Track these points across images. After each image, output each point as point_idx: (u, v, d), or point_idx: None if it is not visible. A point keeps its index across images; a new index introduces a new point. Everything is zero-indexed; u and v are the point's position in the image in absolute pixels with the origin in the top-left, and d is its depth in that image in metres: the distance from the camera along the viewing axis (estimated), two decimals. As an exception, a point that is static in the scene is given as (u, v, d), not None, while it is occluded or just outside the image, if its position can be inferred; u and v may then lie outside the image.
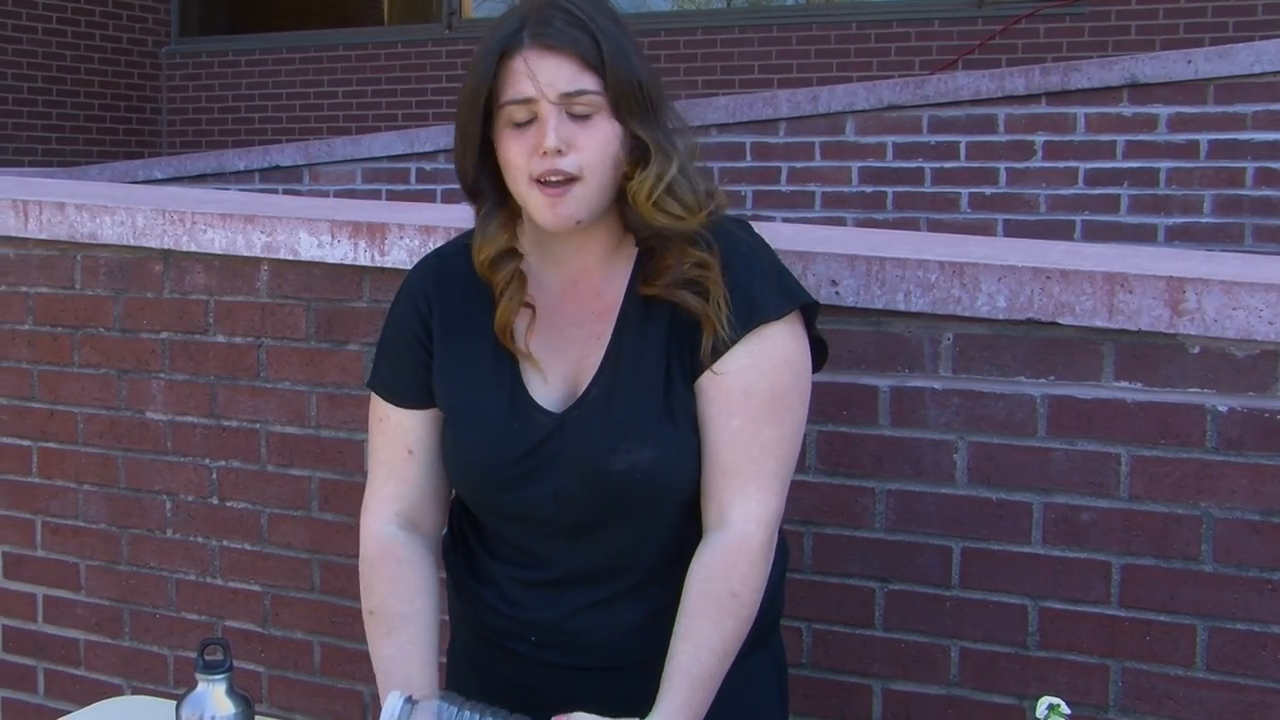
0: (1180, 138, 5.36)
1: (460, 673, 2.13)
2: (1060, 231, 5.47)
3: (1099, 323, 2.35)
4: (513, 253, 1.91)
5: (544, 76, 1.80)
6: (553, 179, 1.82)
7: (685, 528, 1.90)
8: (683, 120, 1.91)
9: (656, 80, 1.88)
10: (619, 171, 1.84)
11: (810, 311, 1.93)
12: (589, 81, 1.81)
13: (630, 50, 1.84)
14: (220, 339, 3.23)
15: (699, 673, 1.80)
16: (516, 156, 1.83)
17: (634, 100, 1.82)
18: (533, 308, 1.90)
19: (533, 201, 1.84)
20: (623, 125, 1.82)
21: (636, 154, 1.83)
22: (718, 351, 1.83)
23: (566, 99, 1.80)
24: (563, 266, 1.92)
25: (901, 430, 2.52)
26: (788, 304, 1.88)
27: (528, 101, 1.80)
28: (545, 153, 1.79)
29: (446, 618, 2.14)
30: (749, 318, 1.84)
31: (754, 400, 1.84)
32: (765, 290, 1.86)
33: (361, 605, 2.00)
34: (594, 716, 1.76)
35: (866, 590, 2.58)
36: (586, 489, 1.87)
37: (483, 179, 1.90)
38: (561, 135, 1.80)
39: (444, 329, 1.95)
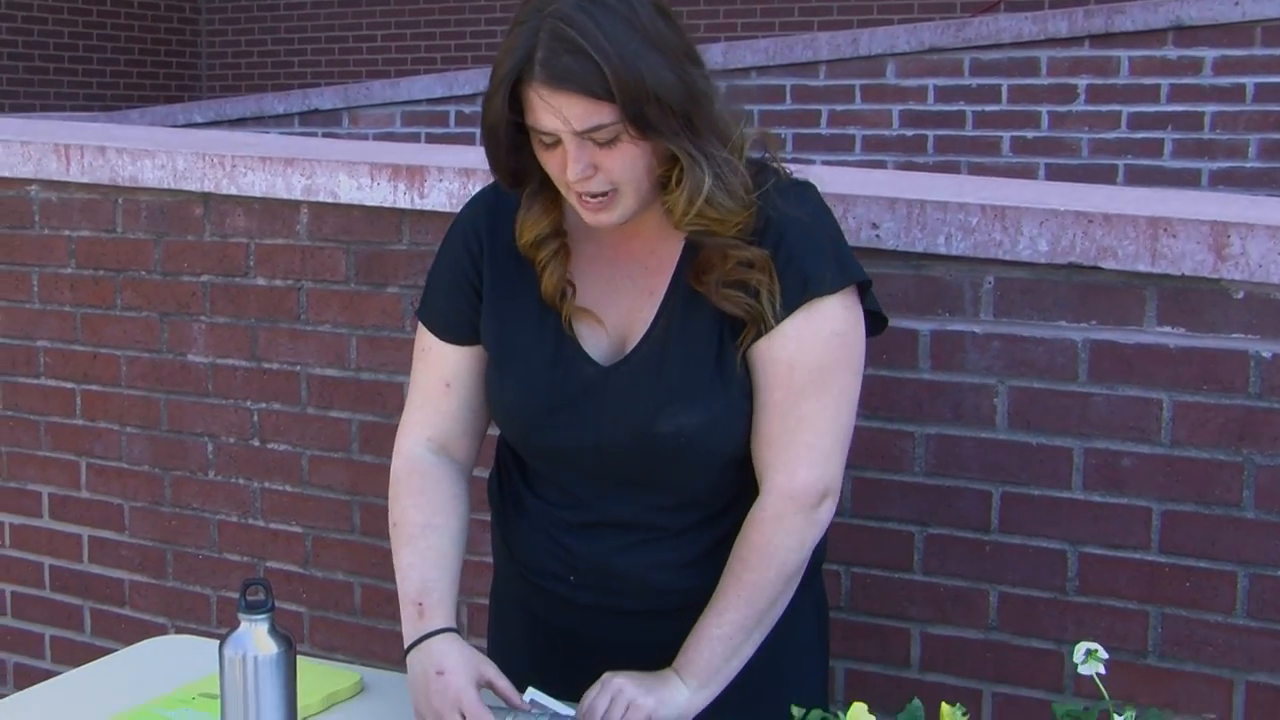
0: (1226, 81, 5.29)
1: (501, 613, 2.14)
2: (1103, 176, 5.41)
3: (1141, 267, 2.32)
4: (557, 233, 1.90)
5: (558, 112, 1.72)
6: (589, 197, 1.80)
7: (734, 480, 1.90)
8: (724, 102, 1.81)
9: (683, 78, 1.74)
10: (655, 176, 1.80)
11: (865, 288, 1.91)
12: (603, 114, 1.71)
13: (644, 63, 1.71)
14: (260, 282, 3.24)
15: (719, 634, 1.83)
16: (552, 168, 1.81)
17: (654, 117, 1.72)
18: (573, 285, 1.88)
19: (573, 204, 1.83)
20: (649, 141, 1.76)
21: (670, 160, 1.79)
22: (761, 334, 1.83)
23: (585, 133, 1.74)
24: (617, 228, 1.90)
25: (941, 374, 2.51)
26: (843, 278, 1.85)
27: (549, 132, 1.76)
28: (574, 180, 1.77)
29: (491, 560, 2.15)
30: (802, 291, 1.82)
31: (798, 373, 1.83)
32: (821, 264, 1.83)
33: (388, 522, 2.03)
34: (633, 677, 1.78)
35: (906, 534, 2.58)
36: (630, 446, 1.87)
37: (522, 171, 1.86)
38: (586, 162, 1.75)
39: (494, 271, 1.95)
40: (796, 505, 1.84)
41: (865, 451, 2.56)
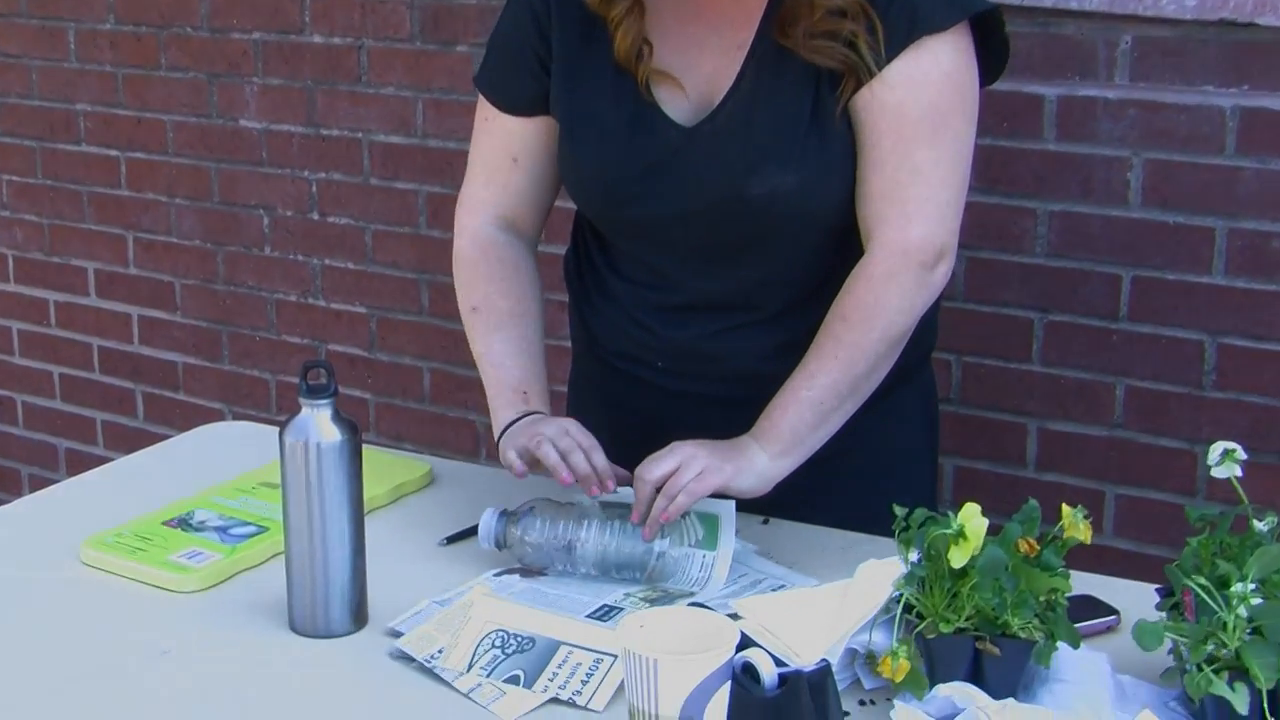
0: None
1: (581, 403, 2.16)
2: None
3: (1303, 23, 2.26)
4: None
5: None
6: None
7: (831, 256, 1.89)
8: None
9: None
10: None
11: (990, 19, 1.86)
12: None
13: None
14: (317, 39, 3.22)
15: (809, 397, 1.81)
16: None
17: None
18: (650, 44, 1.86)
19: None
20: None
21: None
22: (862, 84, 1.79)
23: None
24: None
25: (1069, 145, 2.47)
26: (957, 13, 1.81)
27: None
28: None
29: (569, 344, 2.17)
30: (910, 30, 1.78)
31: (908, 120, 1.80)
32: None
33: (460, 304, 2.04)
34: (704, 444, 1.78)
35: (1024, 321, 2.57)
36: (719, 214, 1.86)
37: None
38: None
39: (563, 33, 1.92)
40: (910, 262, 1.83)
41: (981, 229, 2.53)
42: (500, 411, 1.94)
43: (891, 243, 1.82)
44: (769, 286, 1.92)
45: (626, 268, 1.99)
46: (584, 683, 1.54)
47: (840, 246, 1.88)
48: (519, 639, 1.61)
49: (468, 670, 1.57)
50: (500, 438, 1.90)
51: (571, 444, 1.81)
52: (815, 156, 1.82)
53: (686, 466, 1.76)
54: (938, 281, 1.85)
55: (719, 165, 1.84)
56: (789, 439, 1.81)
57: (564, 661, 1.57)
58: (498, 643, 1.61)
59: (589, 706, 1.52)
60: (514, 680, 1.56)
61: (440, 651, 1.60)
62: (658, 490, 1.76)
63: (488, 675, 1.56)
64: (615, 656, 1.55)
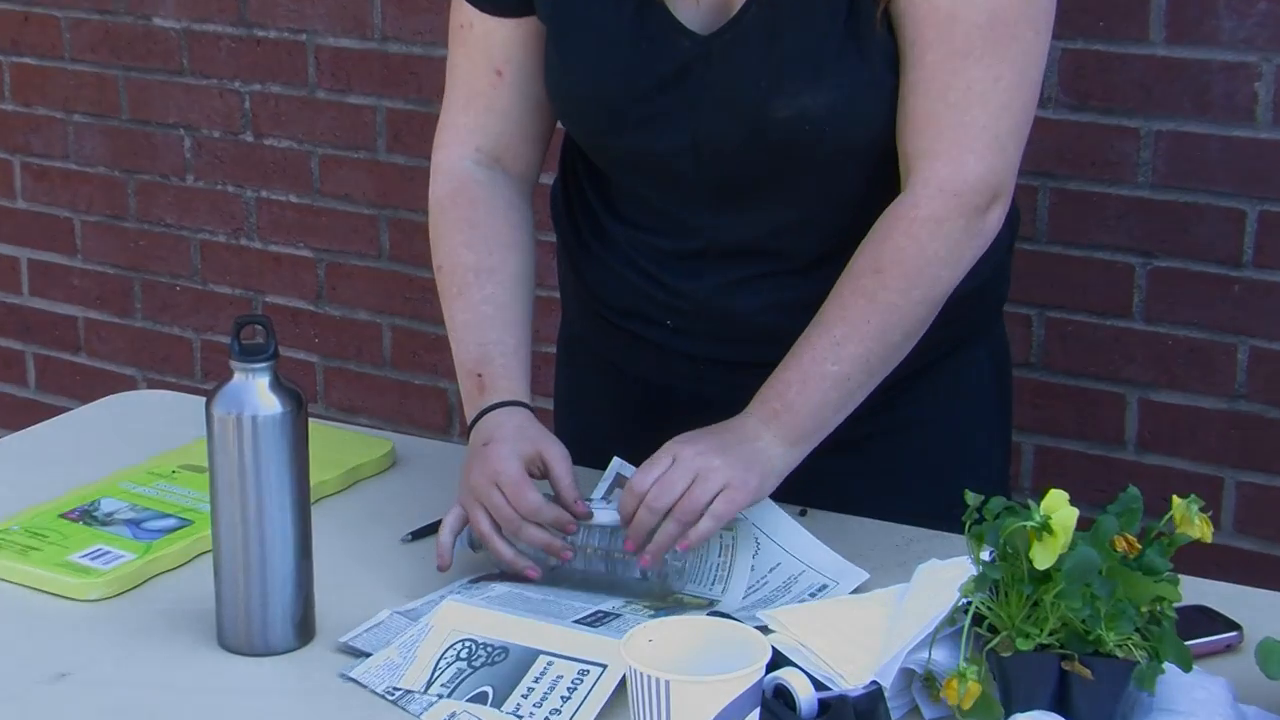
0: None
1: (572, 365, 2.16)
2: None
3: None
4: None
5: None
6: None
7: (876, 192, 1.88)
8: None
9: None
10: None
11: None
12: None
13: None
14: (250, -82, 3.22)
15: (835, 373, 1.79)
16: None
17: None
18: None
19: None
20: None
21: None
22: None
23: None
24: None
25: (1182, 49, 2.48)
26: None
27: None
28: None
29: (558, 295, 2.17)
30: None
31: (961, 26, 1.79)
32: None
33: (432, 263, 2.04)
34: (702, 440, 1.76)
35: (1123, 267, 2.57)
36: (738, 141, 1.85)
37: None
38: None
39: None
40: (960, 206, 1.82)
41: (1070, 154, 2.53)
42: (465, 403, 1.93)
43: (940, 180, 1.81)
44: (797, 230, 1.92)
45: (626, 208, 1.99)
46: (564, 699, 1.55)
47: (883, 181, 1.88)
48: (489, 649, 1.62)
49: (425, 689, 1.58)
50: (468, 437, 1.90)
51: (513, 519, 1.77)
52: (852, 72, 1.82)
53: (704, 480, 1.73)
54: (990, 228, 1.85)
55: (739, 82, 1.84)
56: (811, 426, 1.80)
57: (541, 674, 1.58)
58: (463, 654, 1.62)
59: None
60: (480, 699, 1.56)
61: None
62: (651, 502, 1.73)
63: (449, 695, 1.57)
64: (605, 666, 1.55)
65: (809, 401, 1.79)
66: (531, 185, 2.05)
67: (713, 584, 1.78)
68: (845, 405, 1.81)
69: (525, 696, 1.55)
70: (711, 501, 1.72)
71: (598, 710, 1.52)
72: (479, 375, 1.91)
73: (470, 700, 1.56)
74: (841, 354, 1.80)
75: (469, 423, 1.89)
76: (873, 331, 1.80)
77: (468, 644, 1.62)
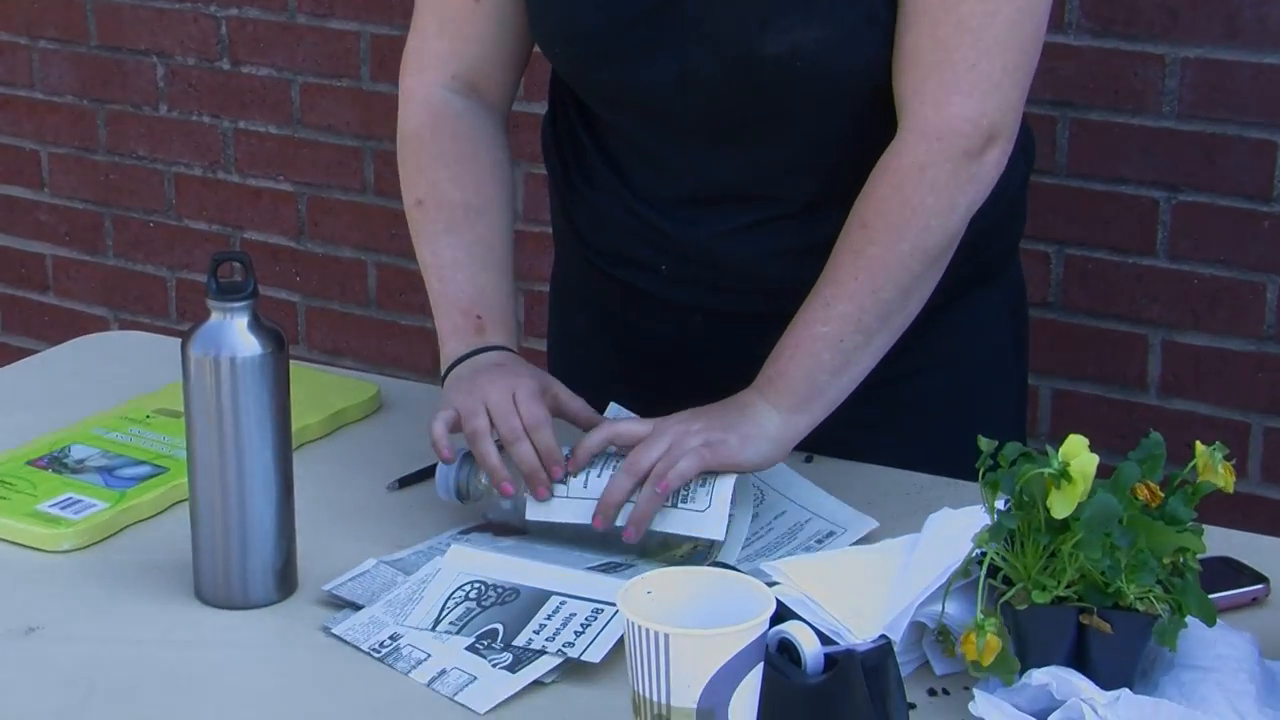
0: None
1: (563, 308, 2.16)
2: None
3: None
4: None
5: None
6: None
7: (879, 129, 1.87)
8: None
9: None
10: None
11: None
12: None
13: None
14: None
15: (826, 334, 1.79)
16: None
17: None
18: None
19: None
20: None
21: None
22: None
23: None
24: None
25: (1209, -29, 2.47)
26: None
27: None
28: None
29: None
30: None
31: None
32: None
33: (404, 197, 2.03)
34: (697, 414, 1.76)
35: (1147, 202, 2.57)
36: (727, 77, 1.85)
37: None
38: None
39: None
40: (946, 150, 1.81)
41: (1090, 82, 2.53)
42: (447, 342, 1.92)
43: (925, 123, 1.80)
44: (795, 172, 1.92)
45: (616, 147, 1.99)
46: (578, 634, 1.56)
47: (883, 124, 1.87)
48: (499, 589, 1.63)
49: (433, 627, 1.59)
50: (444, 379, 1.89)
51: (516, 428, 1.77)
52: (847, 7, 1.81)
53: (680, 443, 1.73)
54: (988, 173, 1.83)
55: (728, 14, 1.83)
56: (805, 390, 1.80)
57: (554, 612, 1.59)
58: (471, 595, 1.62)
59: (582, 659, 1.53)
60: (489, 636, 1.57)
61: (391, 639, 1.61)
62: (626, 466, 1.73)
63: (458, 631, 1.58)
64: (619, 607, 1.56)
65: (801, 365, 1.79)
66: (507, 115, 2.05)
67: (696, 501, 1.75)
68: (844, 368, 1.80)
69: (537, 633, 1.57)
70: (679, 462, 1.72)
71: (611, 644, 1.53)
72: (478, 316, 1.91)
73: (480, 637, 1.57)
74: (831, 314, 1.80)
75: (459, 355, 1.89)
76: (861, 288, 1.80)
77: (477, 585, 1.64)
